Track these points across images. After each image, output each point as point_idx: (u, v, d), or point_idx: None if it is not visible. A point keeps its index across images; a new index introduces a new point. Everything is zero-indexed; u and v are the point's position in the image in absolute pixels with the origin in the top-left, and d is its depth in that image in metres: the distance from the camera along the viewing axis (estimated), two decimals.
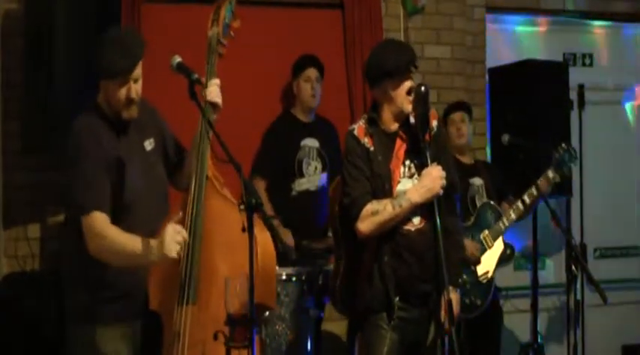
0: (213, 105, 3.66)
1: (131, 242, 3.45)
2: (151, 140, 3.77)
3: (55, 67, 4.88)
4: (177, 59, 3.53)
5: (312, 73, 5.64)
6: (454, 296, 3.99)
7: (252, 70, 5.89)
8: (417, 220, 4.04)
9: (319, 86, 5.67)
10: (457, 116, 5.71)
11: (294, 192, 5.59)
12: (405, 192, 3.94)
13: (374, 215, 3.93)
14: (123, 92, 3.53)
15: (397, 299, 4.01)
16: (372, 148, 4.06)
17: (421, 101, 3.96)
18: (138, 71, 3.55)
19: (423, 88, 3.97)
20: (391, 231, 3.99)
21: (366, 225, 3.95)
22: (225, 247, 3.54)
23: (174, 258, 3.39)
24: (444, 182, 3.89)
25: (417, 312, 4.07)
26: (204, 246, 3.57)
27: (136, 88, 3.55)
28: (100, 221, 3.46)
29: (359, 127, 4.13)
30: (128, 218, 3.58)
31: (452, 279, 3.97)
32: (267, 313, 4.75)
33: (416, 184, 3.96)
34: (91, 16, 4.99)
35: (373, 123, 4.12)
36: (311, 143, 5.60)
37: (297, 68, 5.68)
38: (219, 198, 3.59)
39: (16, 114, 5.29)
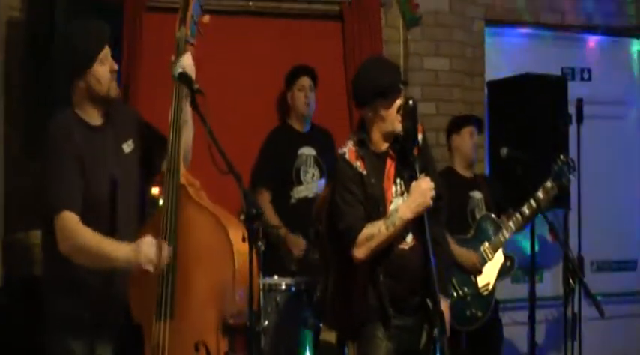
0: (183, 76, 3.49)
1: (105, 244, 3.43)
2: (130, 142, 3.71)
3: (56, 74, 4.88)
4: (179, 70, 3.48)
5: (305, 81, 5.68)
6: (444, 304, 3.99)
7: (253, 80, 5.91)
8: (409, 238, 4.06)
9: (313, 95, 5.72)
10: (468, 129, 5.71)
11: (292, 200, 5.62)
12: (396, 211, 3.94)
13: (369, 240, 3.93)
14: (106, 68, 3.55)
15: (391, 310, 4.01)
16: (364, 172, 4.04)
17: (410, 115, 3.95)
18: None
19: (411, 102, 3.96)
20: (386, 251, 3.99)
21: (362, 251, 3.94)
22: (198, 255, 3.48)
23: (147, 270, 3.39)
24: (433, 193, 3.90)
25: (410, 321, 4.09)
26: (179, 256, 3.49)
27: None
28: (71, 220, 3.43)
29: (350, 151, 4.09)
30: (96, 217, 3.54)
31: (442, 288, 3.98)
32: (266, 322, 4.80)
33: (406, 200, 3.97)
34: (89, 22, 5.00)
35: (363, 144, 4.09)
36: (307, 151, 5.63)
37: (291, 78, 5.73)
38: (193, 205, 3.51)
39: (18, 120, 5.29)
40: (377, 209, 3.99)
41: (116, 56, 3.82)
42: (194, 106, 3.40)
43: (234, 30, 5.88)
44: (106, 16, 5.01)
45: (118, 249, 3.44)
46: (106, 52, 3.58)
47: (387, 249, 3.99)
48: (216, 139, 3.27)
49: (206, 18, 3.64)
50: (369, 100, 4.02)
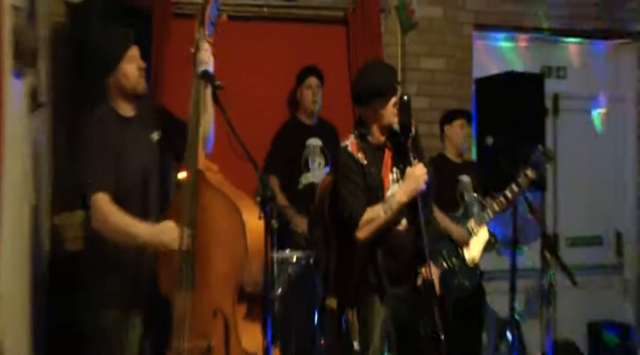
0: (203, 71, 3.56)
1: (133, 224, 3.48)
2: (157, 132, 3.76)
3: (96, 75, 4.86)
4: (202, 68, 3.54)
5: (312, 81, 5.71)
6: (434, 270, 4.05)
7: (266, 78, 5.93)
8: (404, 221, 4.08)
9: (319, 92, 5.73)
10: (459, 122, 5.72)
11: (300, 185, 5.65)
12: (393, 195, 3.96)
13: (370, 223, 3.95)
14: (134, 66, 3.61)
15: (388, 285, 4.04)
16: (365, 162, 4.07)
17: (405, 109, 3.96)
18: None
19: (405, 97, 3.98)
20: (384, 233, 4.01)
21: (364, 233, 3.96)
22: (216, 233, 3.51)
23: (171, 248, 3.44)
24: (426, 177, 3.93)
25: (404, 290, 4.11)
26: (198, 234, 3.52)
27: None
28: (104, 200, 3.48)
29: (352, 143, 4.12)
30: (129, 199, 3.59)
31: (432, 260, 4.01)
32: (279, 291, 4.78)
33: (402, 186, 3.97)
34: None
35: (363, 138, 4.12)
36: (315, 142, 5.65)
37: (300, 77, 5.75)
38: (210, 189, 3.53)
39: (62, 118, 5.28)
40: (376, 195, 4.01)
41: (146, 57, 3.83)
42: (215, 100, 3.43)
43: (250, 33, 5.88)
44: (136, 21, 5.04)
45: (144, 230, 3.49)
46: (132, 52, 3.65)
47: (385, 231, 4.02)
48: (235, 129, 3.26)
49: (224, 17, 3.65)
50: (368, 100, 4.04)
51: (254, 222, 3.28)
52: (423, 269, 4.03)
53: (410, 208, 4.02)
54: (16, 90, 3.49)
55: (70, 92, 5.19)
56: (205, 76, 3.49)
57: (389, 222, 3.98)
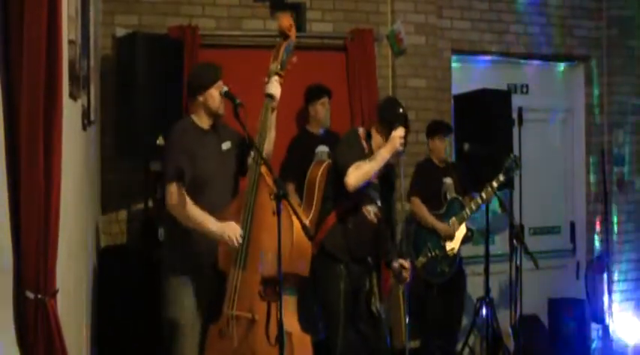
0: (271, 96, 3.74)
1: (199, 212, 3.60)
2: (228, 143, 3.86)
3: (138, 95, 4.85)
4: (225, 88, 3.69)
5: (325, 99, 5.65)
6: (406, 263, 4.26)
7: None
8: (374, 208, 4.23)
9: (329, 108, 5.68)
10: (438, 137, 5.66)
11: None
12: (378, 152, 4.11)
13: (357, 169, 4.05)
14: (218, 92, 3.73)
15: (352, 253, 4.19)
16: (367, 151, 4.21)
17: (403, 118, 4.17)
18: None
19: (401, 110, 4.20)
20: (356, 209, 4.18)
21: (351, 177, 4.04)
22: (267, 228, 3.51)
23: (231, 241, 3.53)
24: (402, 141, 4.07)
25: (361, 267, 4.25)
26: (254, 227, 3.59)
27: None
28: (177, 188, 3.61)
29: (361, 132, 4.32)
30: (201, 196, 3.68)
31: (393, 249, 4.33)
32: None
33: (386, 145, 4.10)
34: (164, 59, 5.01)
35: (368, 138, 4.31)
36: (322, 149, 5.56)
37: (315, 95, 5.65)
38: (268, 190, 3.56)
39: (111, 130, 5.26)
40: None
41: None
42: (236, 115, 3.44)
43: (265, 59, 5.79)
44: (171, 52, 5.00)
45: (209, 220, 3.60)
46: (220, 83, 3.75)
47: (357, 208, 4.18)
48: (254, 140, 3.33)
49: (294, 58, 3.73)
50: (387, 129, 4.17)
51: (297, 221, 3.38)
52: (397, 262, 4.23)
53: (381, 198, 4.26)
54: (72, 111, 3.45)
55: (116, 111, 5.15)
56: (227, 95, 3.61)
57: (374, 171, 4.07)
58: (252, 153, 3.72)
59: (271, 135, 3.76)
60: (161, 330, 3.90)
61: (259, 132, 3.68)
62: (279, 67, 3.76)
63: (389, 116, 4.23)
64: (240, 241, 3.55)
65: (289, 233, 3.49)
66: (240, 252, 3.59)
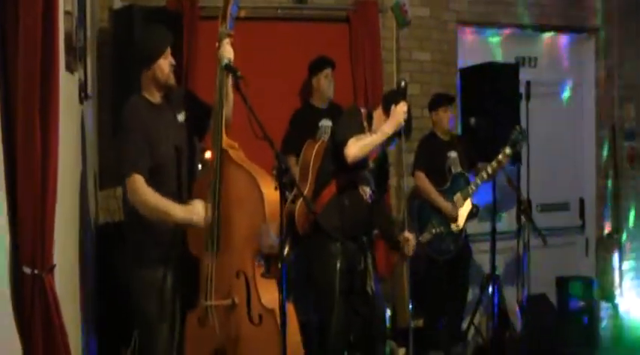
0: (225, 60, 3.52)
1: (164, 204, 3.43)
2: (183, 113, 3.72)
3: (135, 68, 4.85)
4: (225, 61, 3.51)
5: (329, 71, 5.63)
6: (411, 236, 4.31)
7: (281, 69, 5.87)
8: (368, 190, 4.26)
9: (333, 80, 5.67)
10: (442, 109, 5.66)
11: None
12: (380, 128, 4.09)
13: (358, 141, 4.05)
14: (167, 62, 3.58)
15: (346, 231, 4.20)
16: (366, 131, 4.20)
17: (402, 94, 4.11)
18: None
19: (403, 83, 4.15)
20: (352, 189, 4.20)
21: (351, 148, 4.04)
22: (238, 204, 3.48)
23: (198, 223, 3.43)
24: (405, 115, 4.04)
25: (356, 245, 4.26)
26: (223, 204, 3.50)
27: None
28: (138, 181, 3.42)
29: (364, 111, 4.30)
30: (160, 175, 3.54)
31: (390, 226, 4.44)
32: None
33: (388, 121, 4.07)
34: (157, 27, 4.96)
35: (370, 117, 4.30)
36: (326, 123, 5.57)
37: (317, 67, 5.65)
38: (232, 164, 3.50)
39: (107, 107, 5.26)
40: None
41: (176, 54, 3.82)
42: (237, 88, 3.40)
43: (265, 32, 5.86)
44: (170, 24, 4.98)
45: (175, 209, 3.44)
46: (168, 51, 3.60)
47: (355, 186, 4.21)
48: (255, 113, 3.26)
49: (242, 12, 3.64)
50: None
51: (271, 193, 3.28)
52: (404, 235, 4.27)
53: (375, 181, 4.29)
54: (68, 83, 3.47)
55: (113, 86, 5.15)
56: (228, 68, 3.48)
57: (374, 146, 4.07)
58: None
59: (229, 103, 3.62)
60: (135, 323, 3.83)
61: (217, 102, 3.54)
62: (227, 27, 3.59)
63: (392, 100, 4.22)
64: (205, 217, 3.45)
65: (259, 206, 3.43)
66: (212, 233, 3.49)
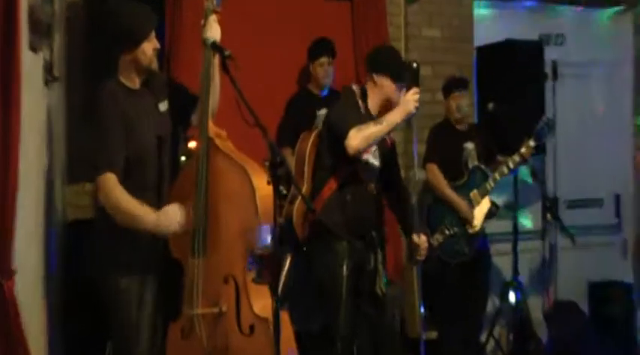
0: (211, 40, 3.53)
1: (136, 209, 3.39)
2: (165, 102, 3.71)
3: (113, 48, 4.84)
4: (211, 39, 3.50)
5: (324, 59, 5.63)
6: (423, 237, 4.36)
7: (277, 51, 5.83)
8: (372, 186, 4.27)
9: (331, 68, 5.67)
10: (458, 93, 5.63)
11: None
12: (387, 117, 4.09)
13: (360, 131, 4.03)
14: (151, 45, 3.54)
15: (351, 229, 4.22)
16: (363, 111, 4.25)
17: (414, 75, 4.14)
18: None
19: (415, 65, 4.16)
20: (356, 183, 4.21)
21: (353, 140, 4.03)
22: (227, 199, 3.48)
23: (173, 232, 3.41)
24: (417, 104, 4.04)
25: (365, 243, 4.27)
26: (210, 200, 3.50)
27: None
28: (110, 181, 3.39)
29: (357, 89, 4.35)
30: (141, 166, 3.53)
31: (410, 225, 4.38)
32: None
33: (398, 108, 4.08)
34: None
35: (364, 96, 4.32)
36: (324, 112, 5.54)
37: (313, 55, 5.66)
38: (220, 155, 3.51)
39: (78, 90, 5.22)
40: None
41: (160, 33, 3.80)
42: (225, 69, 3.38)
43: (262, 9, 5.83)
44: None
45: (146, 218, 3.40)
46: (153, 33, 3.58)
47: (357, 182, 4.22)
48: (245, 98, 3.24)
49: None
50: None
51: (263, 187, 3.28)
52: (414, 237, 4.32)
53: (381, 176, 4.31)
54: (32, 64, 3.47)
55: (85, 66, 5.15)
56: (215, 46, 3.47)
57: (377, 137, 4.07)
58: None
59: (214, 86, 3.63)
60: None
61: (202, 85, 3.54)
62: (214, 2, 3.57)
63: (392, 66, 4.23)
64: (182, 223, 3.43)
65: (251, 201, 3.43)
66: (197, 235, 3.48)
